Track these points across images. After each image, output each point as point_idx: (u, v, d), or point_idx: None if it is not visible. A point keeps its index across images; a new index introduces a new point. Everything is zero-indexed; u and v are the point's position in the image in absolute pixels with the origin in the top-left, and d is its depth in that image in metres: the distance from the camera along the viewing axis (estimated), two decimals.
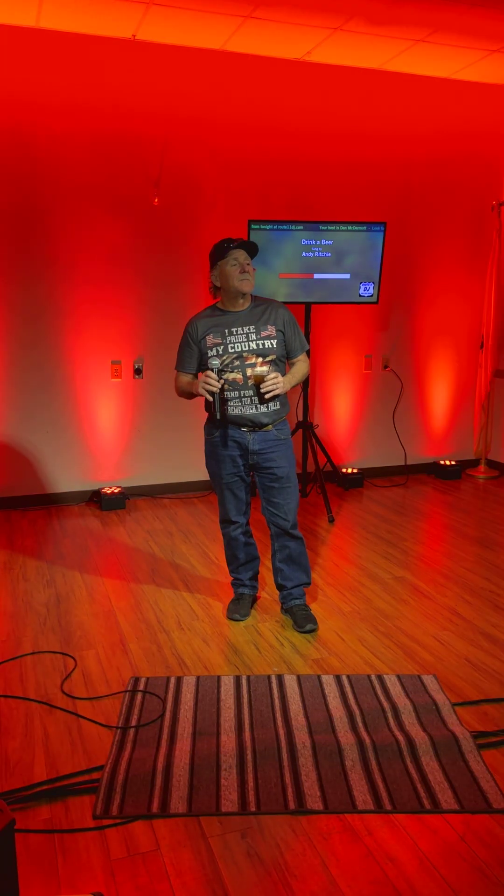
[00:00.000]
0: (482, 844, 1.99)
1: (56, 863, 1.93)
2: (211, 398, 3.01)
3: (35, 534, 4.51)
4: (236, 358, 3.05)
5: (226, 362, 3.05)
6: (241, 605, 3.38)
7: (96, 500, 5.11)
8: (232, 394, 3.05)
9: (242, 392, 3.05)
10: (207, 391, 3.00)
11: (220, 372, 3.04)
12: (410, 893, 1.83)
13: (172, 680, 2.80)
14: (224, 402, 3.04)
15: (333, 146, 5.27)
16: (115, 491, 5.05)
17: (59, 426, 5.02)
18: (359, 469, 5.74)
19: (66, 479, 5.10)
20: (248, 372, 3.03)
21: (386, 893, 1.83)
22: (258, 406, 3.07)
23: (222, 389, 3.02)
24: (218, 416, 3.04)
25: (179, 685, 2.76)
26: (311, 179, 5.27)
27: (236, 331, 3.07)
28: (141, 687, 2.75)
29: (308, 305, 4.97)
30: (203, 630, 3.25)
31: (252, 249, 3.07)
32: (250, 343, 3.06)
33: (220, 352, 3.05)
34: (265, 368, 3.02)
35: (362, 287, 5.03)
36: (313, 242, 4.82)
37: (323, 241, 4.83)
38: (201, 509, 5.01)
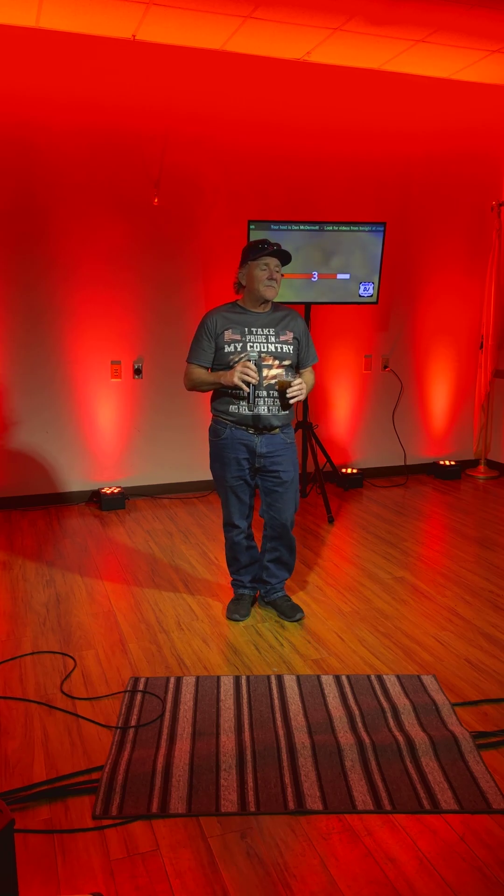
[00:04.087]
0: (482, 845, 1.99)
1: (56, 863, 1.93)
2: (248, 389, 3.00)
3: (35, 534, 4.51)
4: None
5: (243, 360, 3.05)
6: (241, 605, 3.39)
7: (96, 500, 5.11)
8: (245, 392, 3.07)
9: (256, 391, 3.07)
10: (245, 382, 2.98)
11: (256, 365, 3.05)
12: (410, 894, 1.83)
13: (172, 680, 2.80)
14: (257, 394, 3.05)
15: (333, 147, 5.27)
16: (115, 491, 5.05)
17: (59, 426, 5.02)
18: (359, 469, 5.75)
19: (65, 479, 5.10)
20: (266, 372, 3.05)
21: (385, 894, 1.83)
22: (270, 408, 3.09)
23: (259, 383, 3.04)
24: (251, 408, 3.06)
25: (179, 685, 2.76)
26: (311, 180, 5.27)
27: (256, 331, 3.09)
28: (140, 687, 2.75)
29: (308, 305, 4.96)
30: (203, 630, 3.25)
31: (285, 258, 3.08)
32: (269, 345, 3.08)
33: (239, 349, 3.06)
34: (281, 371, 3.04)
35: (362, 287, 5.02)
36: (313, 242, 4.83)
37: (323, 242, 4.83)
38: (201, 509, 5.00)
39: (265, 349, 3.07)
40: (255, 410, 3.08)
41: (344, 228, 4.87)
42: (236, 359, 3.06)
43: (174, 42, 4.67)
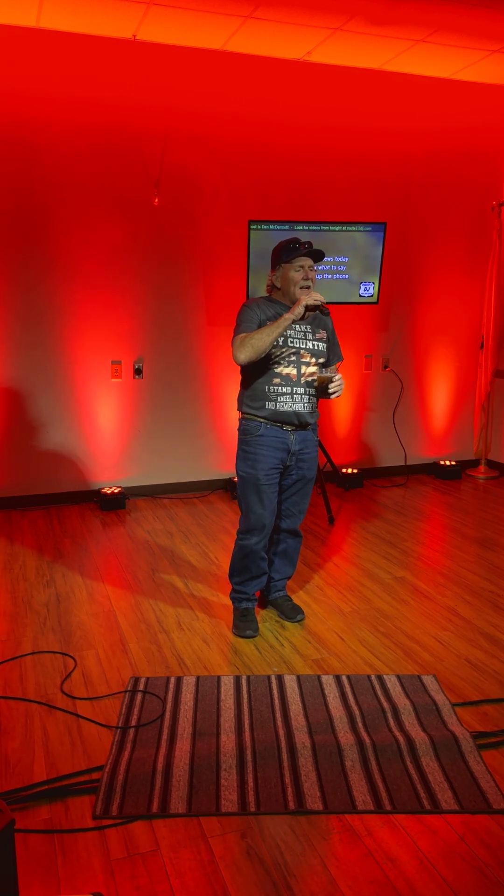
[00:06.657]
0: (482, 844, 1.99)
1: (56, 863, 1.93)
2: (319, 303, 2.97)
3: (35, 534, 4.51)
4: (293, 353, 3.05)
5: (283, 355, 3.03)
6: (251, 620, 3.26)
7: (96, 500, 5.11)
8: (284, 389, 3.04)
9: (294, 388, 3.05)
10: (315, 300, 2.94)
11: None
12: (410, 894, 1.83)
13: (172, 680, 2.80)
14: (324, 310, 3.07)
15: (334, 147, 5.26)
16: (115, 491, 5.05)
17: (60, 426, 5.02)
18: (359, 469, 5.74)
19: (66, 479, 5.10)
20: (304, 370, 3.05)
21: (385, 894, 1.83)
22: (305, 405, 3.08)
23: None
24: (326, 313, 3.08)
25: (179, 685, 2.76)
26: (311, 180, 5.27)
27: (295, 327, 3.07)
28: (141, 687, 2.75)
29: None
30: (203, 630, 3.25)
31: (318, 257, 3.06)
32: (307, 342, 3.08)
33: (280, 343, 3.02)
34: (316, 369, 3.07)
35: (362, 287, 5.03)
36: (313, 242, 4.82)
37: (323, 242, 4.82)
38: (201, 509, 5.00)
39: (304, 346, 3.07)
40: (290, 407, 3.04)
41: (344, 228, 4.87)
42: (278, 353, 3.02)
43: (174, 42, 4.66)
